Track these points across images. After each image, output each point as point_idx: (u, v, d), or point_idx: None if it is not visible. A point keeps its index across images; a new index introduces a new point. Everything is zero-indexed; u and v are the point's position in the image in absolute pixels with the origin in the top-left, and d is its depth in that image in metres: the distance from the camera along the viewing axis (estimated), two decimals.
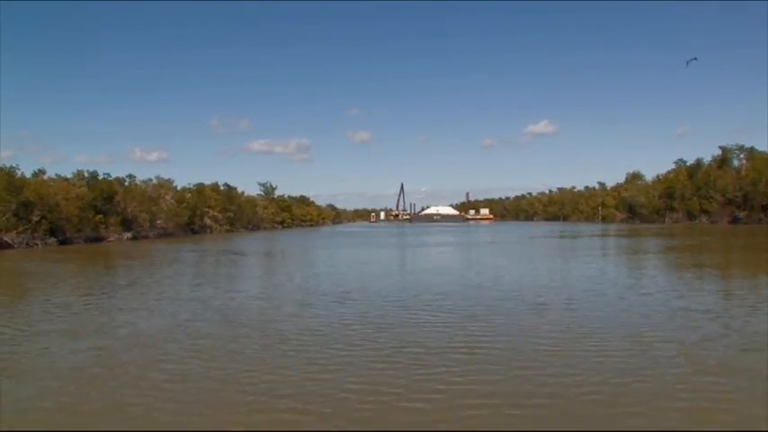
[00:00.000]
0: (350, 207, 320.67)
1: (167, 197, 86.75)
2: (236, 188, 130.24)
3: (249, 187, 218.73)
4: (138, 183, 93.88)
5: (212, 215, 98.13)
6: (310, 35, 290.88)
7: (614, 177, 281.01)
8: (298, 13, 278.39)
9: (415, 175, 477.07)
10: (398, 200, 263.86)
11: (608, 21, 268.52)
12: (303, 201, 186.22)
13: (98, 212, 70.01)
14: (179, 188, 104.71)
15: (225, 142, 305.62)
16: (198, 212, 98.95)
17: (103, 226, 69.78)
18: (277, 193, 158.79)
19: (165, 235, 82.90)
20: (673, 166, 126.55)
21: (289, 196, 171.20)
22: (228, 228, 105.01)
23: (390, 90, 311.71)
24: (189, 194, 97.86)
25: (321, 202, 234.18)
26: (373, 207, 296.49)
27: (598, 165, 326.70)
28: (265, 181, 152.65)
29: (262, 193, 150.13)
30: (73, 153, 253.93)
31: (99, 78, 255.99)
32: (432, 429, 7.58)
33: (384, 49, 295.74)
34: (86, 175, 78.68)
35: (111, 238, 69.73)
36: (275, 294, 20.50)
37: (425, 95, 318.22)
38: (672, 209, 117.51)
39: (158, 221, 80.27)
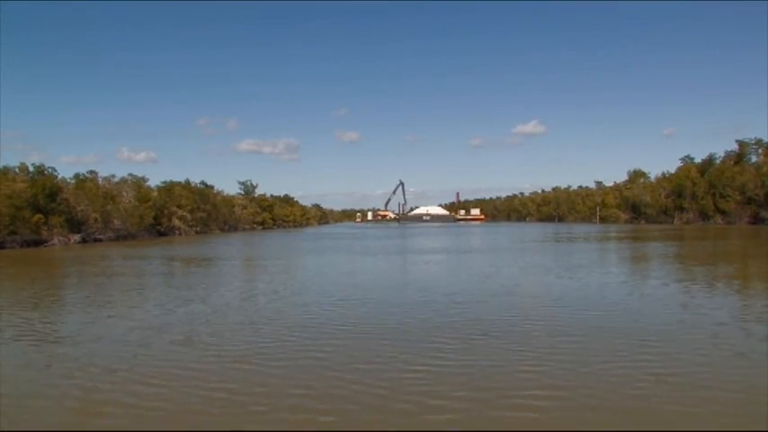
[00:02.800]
0: (338, 207, 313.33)
1: (128, 195, 76.54)
2: (212, 186, 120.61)
3: (236, 187, 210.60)
4: (101, 180, 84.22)
5: (180, 215, 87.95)
6: (298, 35, 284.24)
7: (604, 177, 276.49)
8: (286, 14, 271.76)
9: (404, 176, 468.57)
10: (390, 198, 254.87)
11: (597, 21, 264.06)
12: (286, 200, 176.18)
13: (40, 212, 59.93)
14: (153, 187, 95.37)
15: (213, 142, 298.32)
16: (166, 212, 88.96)
17: (45, 227, 59.73)
18: (265, 193, 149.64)
19: (124, 237, 72.77)
20: (679, 164, 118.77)
21: (272, 195, 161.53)
22: (199, 229, 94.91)
23: (379, 90, 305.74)
24: (155, 192, 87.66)
25: (309, 202, 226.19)
26: (361, 207, 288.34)
27: (587, 165, 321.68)
28: (246, 179, 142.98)
29: (242, 192, 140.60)
30: (60, 153, 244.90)
31: (87, 78, 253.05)
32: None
33: (372, 50, 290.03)
34: (31, 169, 68.52)
35: (54, 242, 59.62)
36: (195, 333, 11.20)
37: (414, 95, 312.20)
38: (681, 208, 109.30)
39: (115, 222, 70.07)
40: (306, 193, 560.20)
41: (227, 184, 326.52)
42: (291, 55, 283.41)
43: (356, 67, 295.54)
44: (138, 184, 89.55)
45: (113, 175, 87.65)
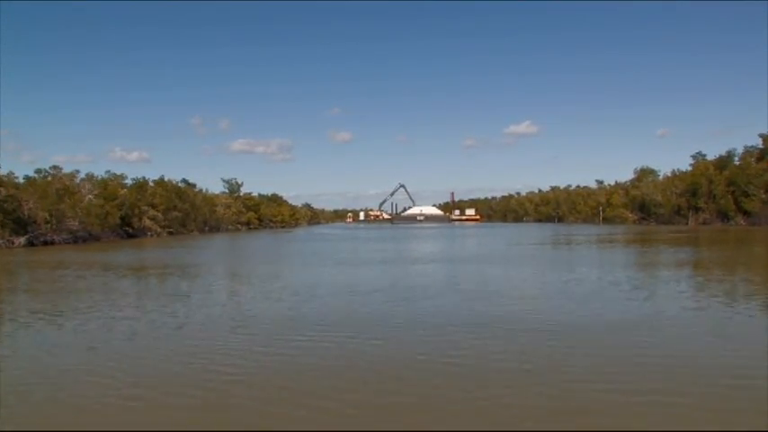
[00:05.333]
0: (331, 207, 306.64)
1: (87, 191, 67.83)
2: (194, 184, 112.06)
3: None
4: (63, 176, 75.47)
5: (151, 215, 79.30)
6: (292, 35, 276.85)
7: (597, 177, 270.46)
8: (279, 14, 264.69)
9: (397, 176, 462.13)
10: (385, 200, 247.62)
11: (590, 21, 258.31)
12: (274, 199, 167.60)
13: None
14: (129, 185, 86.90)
15: (206, 142, 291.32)
16: (137, 212, 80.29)
17: None
18: (251, 192, 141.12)
19: (84, 239, 64.12)
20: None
21: (259, 194, 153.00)
22: (174, 230, 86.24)
23: (372, 90, 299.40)
24: (123, 190, 78.94)
25: (302, 201, 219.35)
26: (353, 207, 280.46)
27: (581, 165, 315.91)
28: (231, 177, 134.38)
29: (226, 191, 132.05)
30: (52, 153, 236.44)
31: (80, 77, 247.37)
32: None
33: (366, 50, 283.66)
34: None
35: None
36: None
37: (407, 95, 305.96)
38: (697, 208, 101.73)
39: (70, 222, 61.30)
40: (299, 192, 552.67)
41: (220, 185, 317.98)
42: (284, 55, 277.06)
43: (349, 67, 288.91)
44: (104, 181, 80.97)
45: (77, 171, 79.11)
